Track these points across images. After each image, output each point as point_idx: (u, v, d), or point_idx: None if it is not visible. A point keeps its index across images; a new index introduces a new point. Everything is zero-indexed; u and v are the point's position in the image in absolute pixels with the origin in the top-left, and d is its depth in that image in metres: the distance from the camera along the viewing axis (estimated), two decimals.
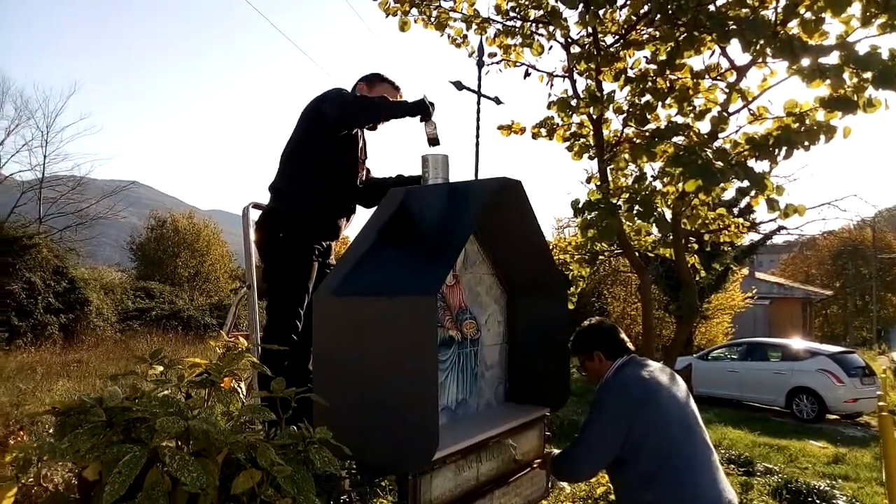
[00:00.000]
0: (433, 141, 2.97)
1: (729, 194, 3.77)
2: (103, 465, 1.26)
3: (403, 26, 4.17)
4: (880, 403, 6.14)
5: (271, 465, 1.33)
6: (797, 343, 13.82)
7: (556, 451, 2.61)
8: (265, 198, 3.06)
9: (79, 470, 1.31)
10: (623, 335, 2.60)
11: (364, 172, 3.18)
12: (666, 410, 2.35)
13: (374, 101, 2.99)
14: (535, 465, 2.53)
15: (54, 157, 24.60)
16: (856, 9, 2.74)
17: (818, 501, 5.45)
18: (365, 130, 3.18)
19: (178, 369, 1.70)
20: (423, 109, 2.95)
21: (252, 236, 3.08)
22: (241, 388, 1.99)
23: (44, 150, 23.71)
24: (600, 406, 2.41)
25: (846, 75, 2.61)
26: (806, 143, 2.93)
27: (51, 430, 1.51)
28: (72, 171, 24.64)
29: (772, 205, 3.00)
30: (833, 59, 2.57)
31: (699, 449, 2.33)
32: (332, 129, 2.90)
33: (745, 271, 22.98)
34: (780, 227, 16.17)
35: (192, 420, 1.31)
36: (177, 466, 1.23)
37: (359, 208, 3.19)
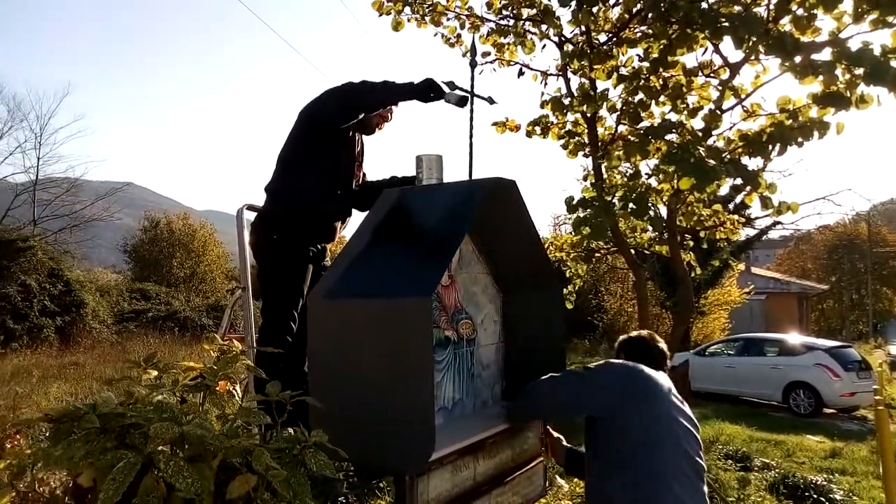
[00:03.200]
0: (463, 102, 2.73)
1: (725, 190, 3.78)
2: (97, 471, 1.25)
3: (397, 26, 4.17)
4: (876, 397, 6.16)
5: (266, 470, 1.32)
6: (794, 338, 13.85)
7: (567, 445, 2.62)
8: (261, 199, 3.05)
9: (73, 477, 1.31)
10: (660, 355, 2.53)
11: (361, 175, 3.16)
12: (658, 413, 2.26)
13: (379, 83, 2.79)
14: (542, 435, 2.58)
15: (48, 159, 24.56)
16: (847, 5, 2.75)
17: (815, 496, 5.47)
18: (363, 135, 3.14)
19: (172, 373, 1.69)
20: (432, 89, 2.70)
21: (246, 238, 3.07)
22: (236, 391, 1.99)
23: (37, 153, 23.65)
24: (599, 366, 2.38)
25: (838, 72, 2.63)
26: (799, 140, 2.94)
27: (47, 436, 1.51)
28: (66, 172, 24.60)
29: (765, 202, 3.01)
30: (825, 55, 2.58)
31: (680, 460, 2.22)
32: (338, 121, 2.79)
33: (742, 266, 23.05)
34: (776, 223, 16.21)
35: (186, 425, 1.31)
36: (171, 472, 1.22)
37: (353, 211, 3.17)
